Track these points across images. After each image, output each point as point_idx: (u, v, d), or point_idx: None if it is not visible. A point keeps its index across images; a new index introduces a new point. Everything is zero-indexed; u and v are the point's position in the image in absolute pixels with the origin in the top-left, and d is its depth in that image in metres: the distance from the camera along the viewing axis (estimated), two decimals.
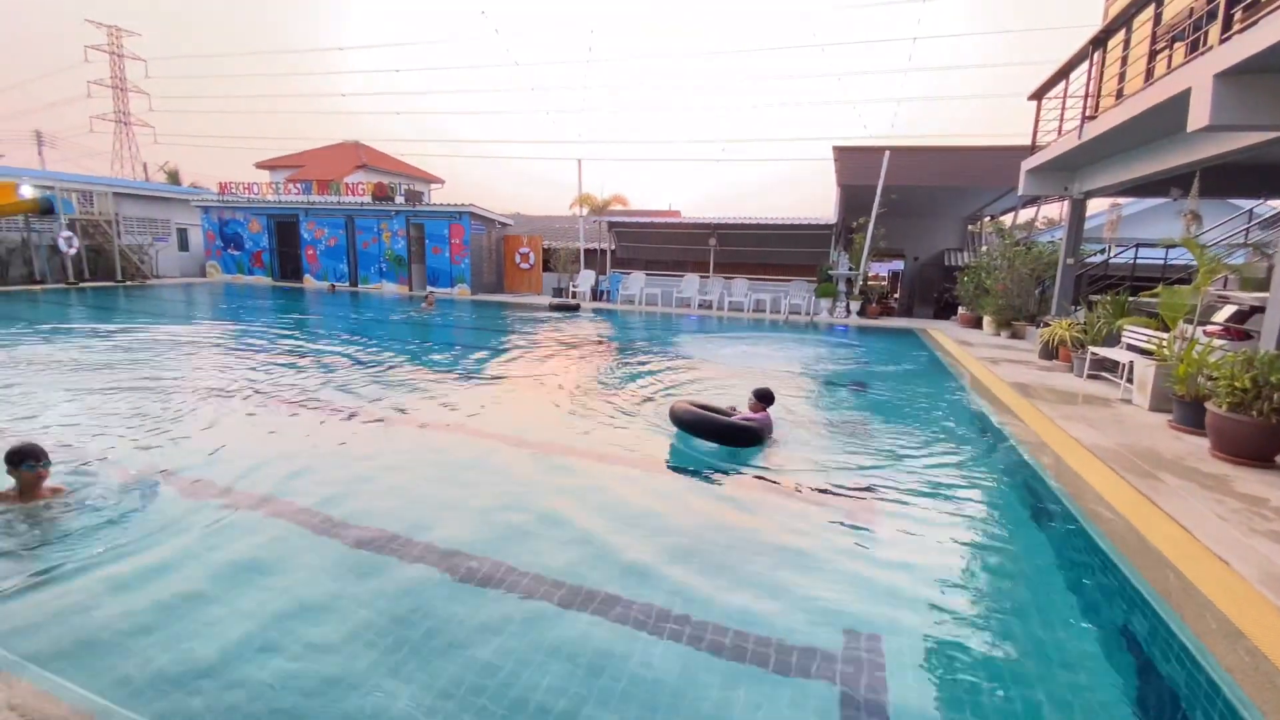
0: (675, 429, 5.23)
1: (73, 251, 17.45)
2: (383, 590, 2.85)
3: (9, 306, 13.02)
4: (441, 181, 33.55)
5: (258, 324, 11.82)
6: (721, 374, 8.23)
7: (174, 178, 39.57)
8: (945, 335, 12.55)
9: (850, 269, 15.97)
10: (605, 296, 18.90)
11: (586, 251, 20.32)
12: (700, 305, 17.65)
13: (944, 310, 17.67)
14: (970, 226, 20.12)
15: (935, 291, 18.34)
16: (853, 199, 16.39)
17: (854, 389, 7.76)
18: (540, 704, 2.17)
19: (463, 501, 3.96)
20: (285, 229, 21.32)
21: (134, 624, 2.56)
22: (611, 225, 20.01)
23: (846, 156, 15.64)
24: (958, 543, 3.58)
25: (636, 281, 18.63)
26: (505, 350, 9.75)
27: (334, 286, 20.24)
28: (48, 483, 3.48)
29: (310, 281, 20.83)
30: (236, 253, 21.62)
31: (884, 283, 21.68)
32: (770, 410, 5.42)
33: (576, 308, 16.29)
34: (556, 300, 16.84)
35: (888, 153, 14.56)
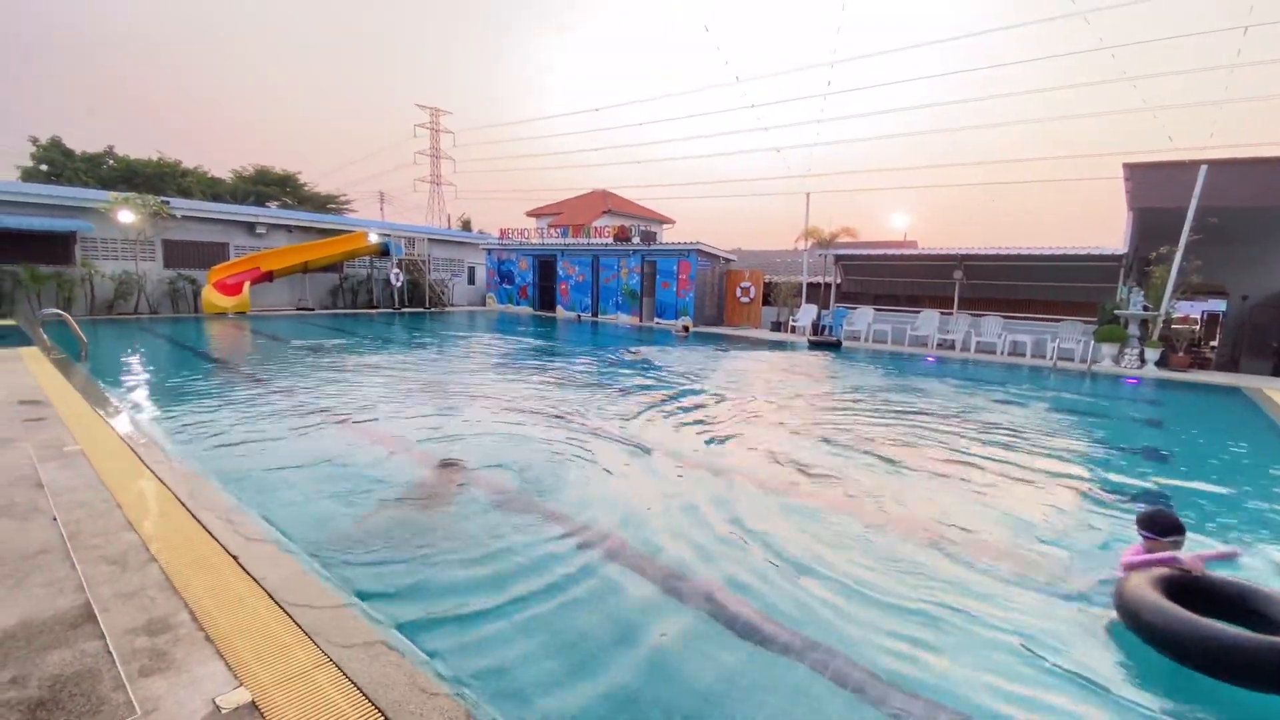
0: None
1: (399, 284, 22.31)
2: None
3: (355, 324, 17.05)
4: (673, 222, 35.71)
5: (576, 356, 12.10)
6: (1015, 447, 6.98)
7: (466, 226, 48.26)
8: None
9: (1146, 308, 12.98)
10: (827, 332, 18.12)
11: (809, 285, 19.77)
12: (939, 344, 15.89)
13: None
14: None
15: (1276, 340, 13.99)
16: (1150, 224, 13.39)
17: (1149, 457, 6.20)
18: None
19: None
20: (546, 267, 24.52)
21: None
22: (838, 259, 19.19)
23: (1143, 174, 12.87)
24: None
25: (863, 317, 17.51)
26: (823, 393, 8.96)
27: (579, 316, 22.63)
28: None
29: (561, 312, 23.56)
30: (509, 287, 25.45)
31: (1195, 327, 17.24)
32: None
33: (837, 345, 15.91)
34: (816, 337, 16.69)
35: (1204, 167, 11.63)
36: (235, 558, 2.98)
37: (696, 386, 9.07)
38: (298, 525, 3.65)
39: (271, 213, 25.12)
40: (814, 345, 15.94)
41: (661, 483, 4.76)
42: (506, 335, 16.28)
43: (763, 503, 4.41)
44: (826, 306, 19.00)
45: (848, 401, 8.35)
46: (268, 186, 38.98)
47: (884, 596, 3.14)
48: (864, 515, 4.24)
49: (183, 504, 3.63)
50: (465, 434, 5.88)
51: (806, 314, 18.54)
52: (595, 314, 22.72)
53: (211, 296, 17.56)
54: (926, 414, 7.64)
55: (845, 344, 16.36)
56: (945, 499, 4.60)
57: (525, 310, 24.66)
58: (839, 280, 19.55)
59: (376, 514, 3.88)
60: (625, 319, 21.77)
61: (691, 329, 18.88)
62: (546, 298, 24.69)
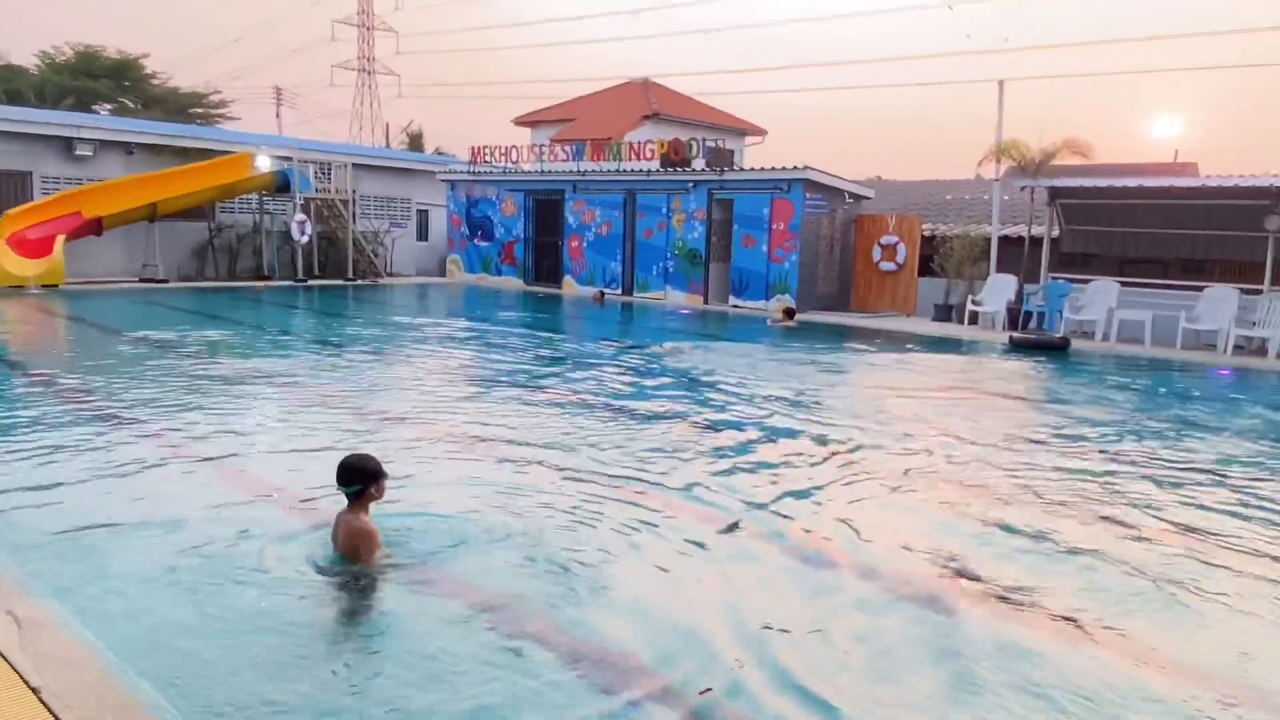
0: None
1: (304, 239, 22.77)
2: None
3: (235, 304, 17.35)
4: (763, 133, 35.58)
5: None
6: None
7: (416, 142, 49.31)
8: None
9: None
10: (1036, 320, 17.74)
11: (1003, 241, 19.44)
12: (1238, 346, 15.41)
13: None
14: None
15: None
16: None
17: None
18: None
19: None
20: (546, 210, 24.69)
21: None
22: (1055, 194, 18.73)
23: None
24: None
25: (1101, 296, 17.07)
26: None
27: (602, 294, 22.66)
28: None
29: (571, 285, 23.70)
30: (484, 244, 25.75)
31: None
32: None
33: (1063, 346, 15.70)
34: (1021, 335, 16.56)
35: None
36: (35, 691, 2.98)
37: (821, 421, 8.93)
38: (135, 639, 3.64)
39: (102, 122, 25.93)
40: (1020, 347, 15.74)
41: (788, 598, 4.62)
42: (485, 324, 16.38)
43: (972, 638, 4.20)
44: (1034, 279, 18.62)
45: (1085, 450, 8.08)
46: (95, 80, 40.39)
47: None
48: (1130, 660, 4.03)
49: None
50: (420, 488, 5.83)
51: (999, 291, 18.20)
52: (629, 290, 22.80)
53: (4, 259, 18.15)
54: (1214, 474, 7.36)
55: (1074, 343, 16.00)
56: (1255, 633, 4.43)
57: (512, 283, 24.90)
58: (1057, 232, 19.09)
59: (261, 626, 3.85)
60: (679, 298, 21.74)
61: (797, 317, 18.60)
62: (547, 262, 24.86)
